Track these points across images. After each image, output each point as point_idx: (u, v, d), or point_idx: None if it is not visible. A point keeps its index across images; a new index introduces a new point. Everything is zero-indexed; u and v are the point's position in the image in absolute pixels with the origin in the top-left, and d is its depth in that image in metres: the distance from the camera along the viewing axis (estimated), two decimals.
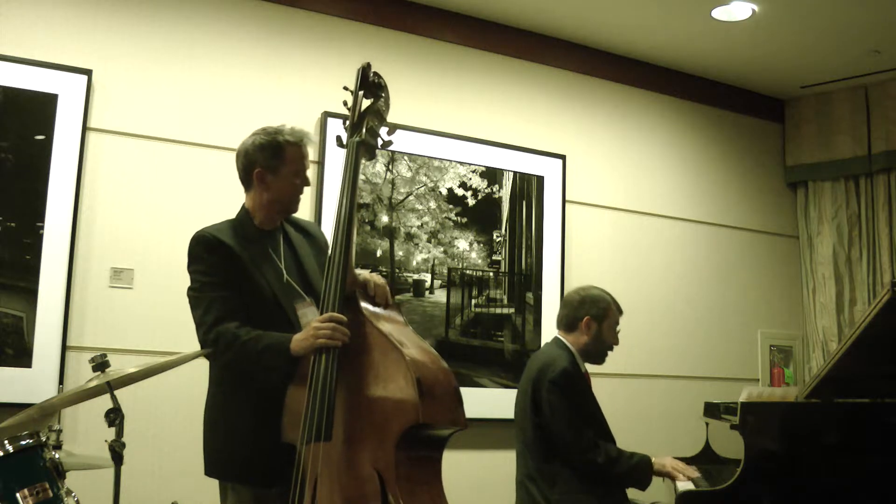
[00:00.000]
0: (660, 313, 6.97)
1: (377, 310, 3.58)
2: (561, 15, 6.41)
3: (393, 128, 3.78)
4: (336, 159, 3.84)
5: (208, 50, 5.64)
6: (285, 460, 3.49)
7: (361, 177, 5.75)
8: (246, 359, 3.52)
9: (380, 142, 3.75)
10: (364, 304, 3.54)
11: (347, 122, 3.76)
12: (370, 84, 3.77)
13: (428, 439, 3.43)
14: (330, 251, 3.59)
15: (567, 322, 4.79)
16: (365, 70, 3.78)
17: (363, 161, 3.74)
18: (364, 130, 3.69)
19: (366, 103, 3.75)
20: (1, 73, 5.02)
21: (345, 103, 3.80)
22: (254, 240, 3.78)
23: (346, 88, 3.79)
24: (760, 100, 7.76)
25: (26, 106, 5.08)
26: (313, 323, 3.37)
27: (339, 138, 3.78)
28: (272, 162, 3.77)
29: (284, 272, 3.78)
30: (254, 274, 3.69)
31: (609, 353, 4.83)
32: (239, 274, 3.67)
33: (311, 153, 3.98)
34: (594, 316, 4.72)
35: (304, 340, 3.38)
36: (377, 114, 3.74)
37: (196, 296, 3.67)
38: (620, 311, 4.84)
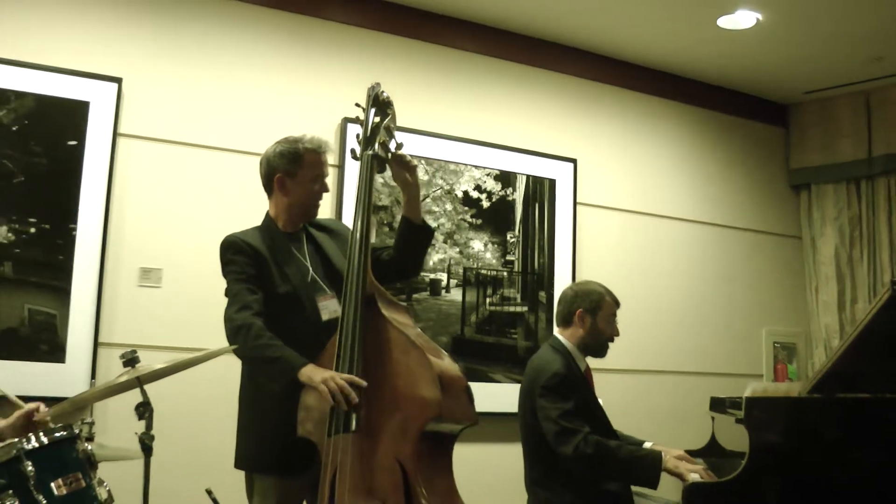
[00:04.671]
0: (667, 311, 6.96)
1: (394, 310, 3.63)
2: (572, 24, 6.41)
3: (400, 143, 3.83)
4: (355, 164, 3.90)
5: (233, 58, 5.65)
6: (305, 452, 3.52)
7: (380, 179, 5.77)
8: (258, 358, 3.60)
9: (390, 154, 3.81)
10: (382, 305, 3.58)
11: (360, 137, 3.84)
12: (380, 102, 3.84)
13: (444, 433, 3.49)
14: (349, 256, 3.64)
15: (563, 317, 4.72)
16: (375, 89, 3.87)
17: (377, 172, 3.81)
18: (376, 144, 3.77)
19: (376, 120, 3.81)
20: (35, 82, 5.05)
21: (357, 118, 3.89)
22: (279, 242, 3.86)
23: (357, 105, 3.88)
24: (765, 105, 7.75)
25: (59, 113, 5.11)
26: (336, 377, 3.38)
27: (353, 151, 3.86)
28: (291, 168, 3.87)
29: (311, 269, 3.85)
30: (278, 273, 3.78)
31: (609, 344, 4.73)
32: (264, 273, 3.75)
33: (331, 159, 4.04)
34: (587, 309, 4.62)
35: (314, 376, 3.41)
36: (387, 129, 3.80)
37: (228, 295, 3.75)
38: (617, 303, 4.73)
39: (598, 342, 4.68)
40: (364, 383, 3.39)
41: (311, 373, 3.42)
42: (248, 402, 3.81)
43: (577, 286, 4.84)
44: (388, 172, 3.86)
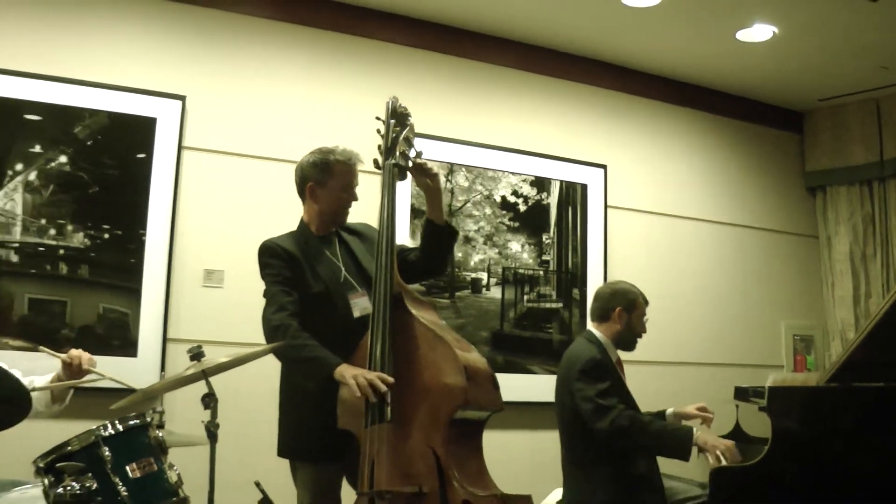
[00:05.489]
0: (692, 306, 6.93)
1: (420, 307, 3.65)
2: (601, 39, 6.41)
3: (419, 152, 3.85)
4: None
5: (284, 75, 5.69)
6: (342, 441, 3.56)
7: (414, 189, 5.79)
8: (295, 358, 3.64)
9: (410, 163, 3.82)
10: (409, 303, 3.60)
11: (381, 148, 3.84)
12: (398, 115, 3.85)
13: (472, 419, 3.51)
14: (376, 258, 3.67)
15: (600, 313, 4.75)
16: (393, 102, 3.88)
17: (398, 180, 3.81)
18: (397, 154, 3.78)
19: (395, 131, 3.82)
20: (107, 100, 5.11)
21: (378, 131, 3.88)
22: (312, 245, 3.88)
23: (377, 118, 3.87)
24: (781, 113, 7.69)
25: (129, 128, 5.16)
26: (366, 373, 3.40)
27: (375, 161, 3.86)
28: (321, 177, 3.88)
29: (343, 270, 3.86)
30: (311, 274, 3.79)
31: (638, 339, 4.78)
32: (298, 274, 3.77)
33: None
34: (625, 307, 4.68)
35: (346, 374, 3.43)
36: (406, 140, 3.81)
37: (266, 296, 3.78)
38: (647, 303, 4.80)
39: (630, 337, 4.74)
40: (391, 379, 3.40)
41: (344, 371, 3.45)
42: (288, 396, 3.86)
43: (612, 285, 4.88)
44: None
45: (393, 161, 3.78)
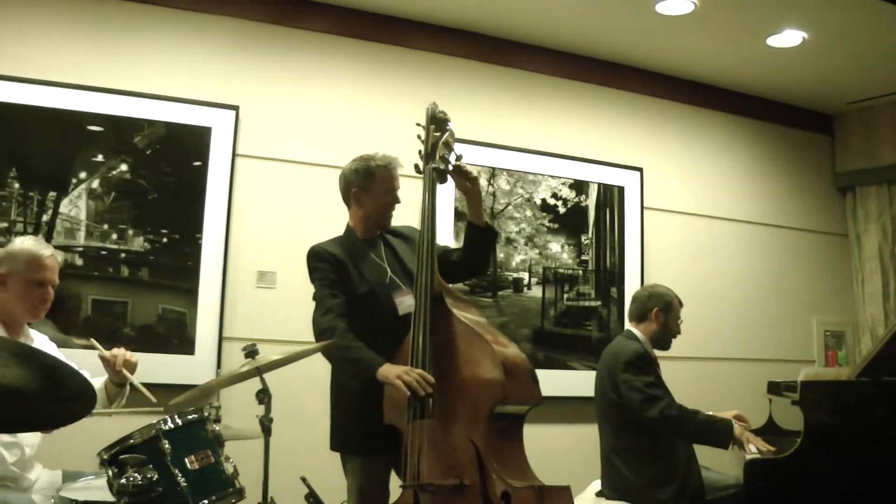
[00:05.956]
0: (726, 303, 6.88)
1: (461, 305, 3.65)
2: (636, 47, 6.38)
3: (459, 155, 3.85)
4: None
5: (332, 85, 5.73)
6: (388, 435, 3.57)
7: (456, 193, 5.81)
8: (340, 358, 3.69)
9: (450, 167, 3.82)
10: (449, 301, 3.60)
11: (421, 153, 3.85)
12: (438, 120, 3.85)
13: (512, 413, 3.49)
14: (417, 258, 3.68)
15: (638, 314, 4.85)
16: (433, 108, 3.88)
17: (438, 183, 3.82)
18: (437, 158, 3.78)
19: (435, 136, 3.82)
20: (165, 111, 5.17)
21: (418, 137, 3.89)
22: (358, 248, 3.90)
23: (418, 125, 3.87)
24: (811, 115, 7.61)
25: (186, 138, 5.22)
26: (409, 371, 3.43)
27: (416, 166, 3.87)
28: (364, 183, 3.90)
29: (388, 271, 3.87)
30: (357, 276, 3.81)
31: (673, 340, 4.88)
32: (345, 277, 3.80)
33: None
34: (661, 308, 4.79)
35: (389, 373, 3.46)
36: (446, 144, 3.81)
37: (315, 299, 3.81)
38: (681, 305, 4.90)
39: (666, 337, 4.85)
40: (432, 379, 3.41)
41: (387, 371, 3.47)
42: (337, 393, 3.88)
43: (650, 288, 4.98)
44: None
45: (433, 165, 3.79)
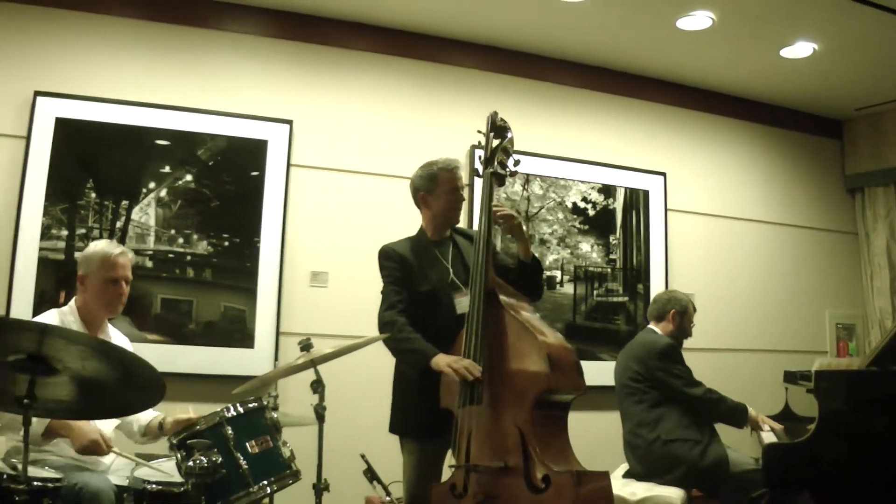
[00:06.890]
0: (743, 298, 6.82)
1: (512, 301, 3.64)
2: (658, 60, 6.36)
3: (517, 161, 3.84)
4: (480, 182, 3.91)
5: (380, 100, 5.75)
6: (443, 419, 3.59)
7: (503, 195, 5.83)
8: (399, 349, 3.71)
9: (508, 171, 3.81)
10: (502, 297, 3.61)
11: (482, 158, 3.85)
12: (497, 127, 3.84)
13: (556, 402, 3.49)
14: (473, 256, 3.69)
15: (657, 314, 4.98)
16: (493, 117, 3.86)
17: (496, 186, 3.81)
18: (496, 163, 3.78)
19: (495, 143, 3.82)
20: (225, 126, 5.23)
21: (479, 143, 3.88)
22: (425, 248, 3.92)
23: (479, 132, 3.87)
24: (822, 121, 7.53)
25: (244, 150, 5.27)
26: (460, 360, 3.47)
27: (476, 171, 3.89)
28: (429, 186, 3.92)
29: (451, 272, 3.87)
30: (420, 275, 3.83)
31: (685, 340, 5.00)
32: (409, 275, 3.82)
33: (464, 177, 4.04)
34: (678, 310, 4.94)
35: (440, 361, 3.50)
36: (504, 150, 3.81)
37: (382, 294, 3.84)
38: (695, 310, 5.05)
39: (680, 337, 4.99)
40: (479, 367, 3.42)
41: (439, 360, 3.50)
42: (397, 381, 3.91)
43: (669, 293, 5.17)
44: (511, 188, 3.86)
45: (491, 170, 3.79)
